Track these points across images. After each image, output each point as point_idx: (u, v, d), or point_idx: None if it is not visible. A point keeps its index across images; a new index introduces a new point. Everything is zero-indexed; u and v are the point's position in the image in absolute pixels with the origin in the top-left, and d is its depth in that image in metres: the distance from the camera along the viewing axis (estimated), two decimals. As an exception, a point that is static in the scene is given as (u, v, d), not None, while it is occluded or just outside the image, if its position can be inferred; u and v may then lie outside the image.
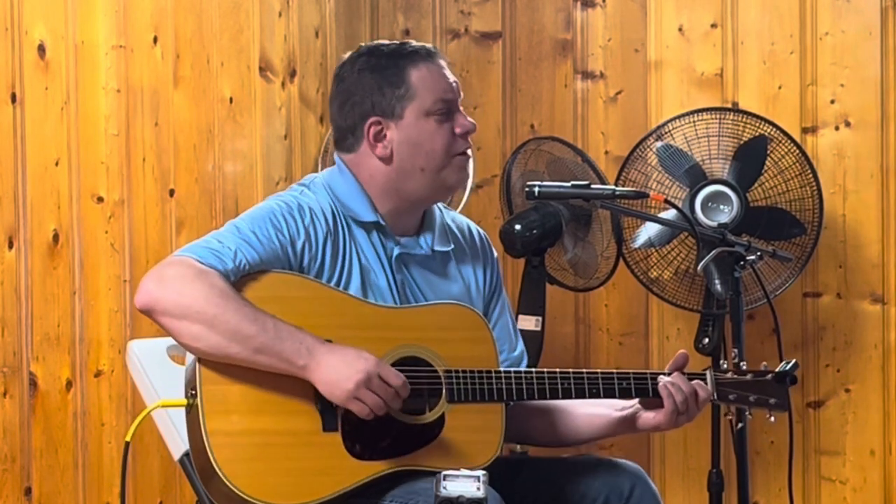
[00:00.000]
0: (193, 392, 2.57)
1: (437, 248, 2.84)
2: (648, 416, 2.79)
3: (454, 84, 2.81)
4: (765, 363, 2.87)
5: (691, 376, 2.80)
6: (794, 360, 2.86)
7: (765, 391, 2.82)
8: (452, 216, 2.96)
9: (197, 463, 2.60)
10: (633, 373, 2.77)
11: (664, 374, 2.79)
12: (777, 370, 2.83)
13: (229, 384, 2.56)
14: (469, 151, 2.82)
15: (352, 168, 2.80)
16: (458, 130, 2.78)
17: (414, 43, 2.83)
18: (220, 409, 2.55)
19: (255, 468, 2.54)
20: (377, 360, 2.56)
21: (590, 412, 2.85)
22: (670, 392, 2.74)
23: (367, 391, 2.54)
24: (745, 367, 2.84)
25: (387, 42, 2.85)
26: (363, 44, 2.86)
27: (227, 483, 2.51)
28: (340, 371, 2.53)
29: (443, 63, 2.81)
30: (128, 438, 2.66)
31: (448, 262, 2.87)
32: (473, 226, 2.98)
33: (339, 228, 2.75)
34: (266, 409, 2.56)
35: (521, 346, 2.94)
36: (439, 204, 2.91)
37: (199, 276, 2.54)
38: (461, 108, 2.81)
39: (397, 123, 2.76)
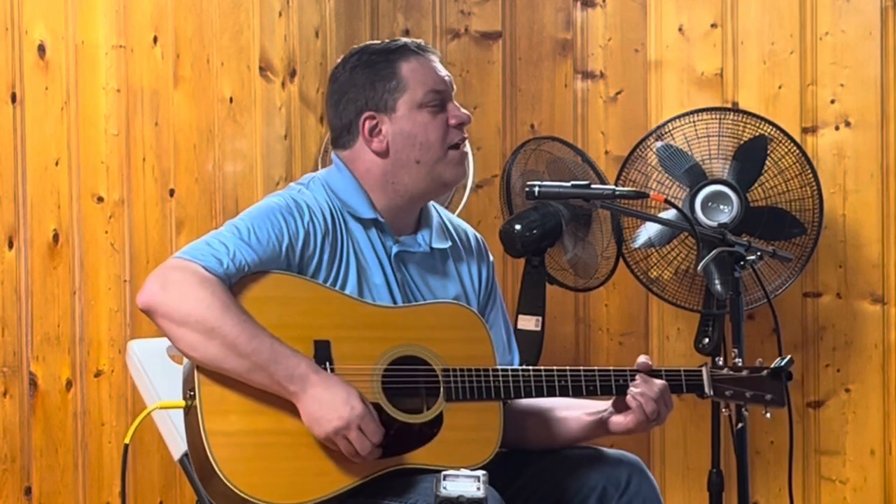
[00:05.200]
0: (192, 393, 2.57)
1: (435, 245, 2.84)
2: (619, 421, 2.77)
3: (446, 77, 2.82)
4: (760, 360, 2.87)
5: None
6: (789, 356, 2.85)
7: (761, 387, 2.81)
8: (450, 217, 2.96)
9: (196, 463, 2.60)
10: (630, 369, 2.77)
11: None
12: (772, 366, 2.83)
13: (227, 385, 2.56)
14: (466, 145, 2.83)
15: (349, 164, 2.81)
16: (451, 122, 2.79)
17: (403, 39, 2.86)
18: (218, 410, 2.55)
19: (254, 468, 2.54)
20: (364, 409, 2.54)
21: (563, 416, 2.83)
22: (640, 404, 2.73)
23: (342, 438, 2.53)
24: (740, 364, 2.84)
25: (377, 42, 2.87)
26: (355, 46, 2.89)
27: (227, 483, 2.51)
28: (324, 410, 2.53)
29: (433, 57, 2.83)
30: (126, 441, 2.66)
31: (446, 261, 2.88)
32: (471, 230, 2.98)
33: (338, 227, 2.75)
34: (264, 409, 2.56)
35: (516, 354, 2.93)
36: (435, 204, 2.92)
37: (203, 285, 2.54)
38: (455, 101, 2.83)
39: (391, 116, 2.78)
